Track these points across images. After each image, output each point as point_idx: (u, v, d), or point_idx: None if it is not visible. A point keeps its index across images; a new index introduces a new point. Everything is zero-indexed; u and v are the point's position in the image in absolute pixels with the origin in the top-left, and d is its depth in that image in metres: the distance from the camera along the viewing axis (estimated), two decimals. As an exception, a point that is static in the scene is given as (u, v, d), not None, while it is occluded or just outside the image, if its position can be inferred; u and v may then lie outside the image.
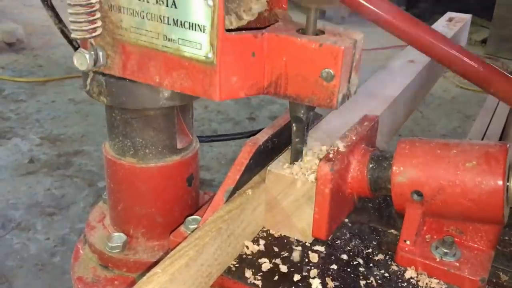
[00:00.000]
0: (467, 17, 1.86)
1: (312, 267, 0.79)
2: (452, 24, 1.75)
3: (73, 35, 0.79)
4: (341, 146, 0.84)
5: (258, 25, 0.81)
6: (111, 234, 0.97)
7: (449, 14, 1.86)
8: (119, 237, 0.96)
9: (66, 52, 4.60)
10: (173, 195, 0.96)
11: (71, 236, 2.31)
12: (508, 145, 0.76)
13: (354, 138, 0.87)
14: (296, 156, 0.85)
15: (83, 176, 2.76)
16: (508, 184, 0.73)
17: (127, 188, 0.94)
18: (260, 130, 0.92)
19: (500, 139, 2.53)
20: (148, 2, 0.73)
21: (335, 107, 0.73)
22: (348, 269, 0.79)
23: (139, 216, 0.96)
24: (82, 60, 0.79)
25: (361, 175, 0.85)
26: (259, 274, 0.77)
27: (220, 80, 0.70)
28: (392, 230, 0.88)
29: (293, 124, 0.83)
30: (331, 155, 0.81)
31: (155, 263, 0.70)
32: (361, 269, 0.79)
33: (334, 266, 0.80)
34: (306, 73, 0.73)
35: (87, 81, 0.86)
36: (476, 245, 0.80)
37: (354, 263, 0.80)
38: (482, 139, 2.52)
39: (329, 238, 0.85)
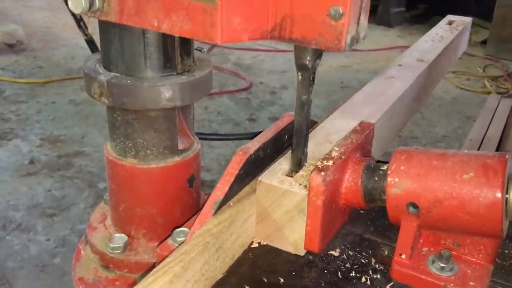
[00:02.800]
0: (468, 20, 1.85)
1: (304, 282, 0.77)
2: (453, 28, 1.74)
3: None
4: (334, 155, 0.81)
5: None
6: (112, 234, 0.97)
7: (449, 17, 1.86)
8: (120, 238, 0.96)
9: (66, 53, 4.60)
10: (174, 196, 0.96)
11: (72, 237, 2.31)
12: (507, 156, 0.73)
13: (348, 147, 0.84)
14: (301, 108, 0.80)
15: (84, 177, 2.76)
16: (507, 196, 0.71)
17: (128, 189, 0.94)
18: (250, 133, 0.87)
19: (500, 140, 2.53)
20: None
21: (343, 49, 0.68)
22: (341, 284, 0.77)
23: (140, 217, 0.96)
24: (77, 3, 0.75)
25: (355, 185, 0.82)
26: (249, 288, 0.75)
27: (222, 19, 0.67)
28: (388, 242, 0.85)
29: (299, 73, 0.79)
30: (324, 165, 0.78)
31: (154, 266, 0.69)
32: (355, 284, 0.77)
33: (327, 280, 0.77)
34: (313, 12, 0.68)
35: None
36: (474, 259, 0.77)
37: (348, 277, 0.78)
38: (483, 140, 2.53)
39: (322, 251, 0.82)
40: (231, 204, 0.80)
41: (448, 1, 5.84)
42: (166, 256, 0.70)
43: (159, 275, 0.66)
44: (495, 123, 2.71)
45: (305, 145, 0.83)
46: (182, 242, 0.74)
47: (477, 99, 4.02)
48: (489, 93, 3.99)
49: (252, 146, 0.85)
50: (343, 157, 0.81)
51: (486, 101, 3.05)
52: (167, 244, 0.81)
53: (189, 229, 0.80)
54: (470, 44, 5.31)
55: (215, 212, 0.79)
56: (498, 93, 3.95)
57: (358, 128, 0.93)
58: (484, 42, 5.28)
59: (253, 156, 0.84)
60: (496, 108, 2.90)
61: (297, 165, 0.83)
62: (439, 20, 1.85)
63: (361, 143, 0.89)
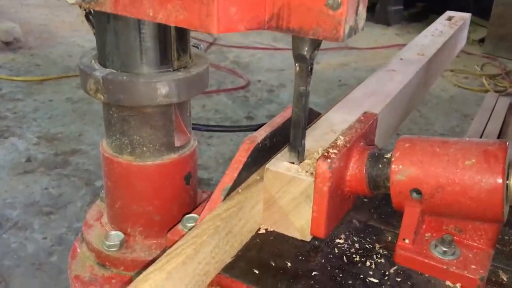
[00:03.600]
0: (467, 16, 1.84)
1: (310, 266, 0.79)
2: (452, 23, 1.74)
3: None
4: (339, 143, 0.83)
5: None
6: (108, 232, 0.96)
7: (449, 13, 1.86)
8: (116, 236, 0.95)
9: (64, 51, 4.59)
10: (171, 193, 0.95)
11: (68, 235, 2.30)
12: (507, 143, 0.75)
13: (352, 135, 0.86)
14: (299, 100, 0.80)
15: (81, 175, 2.75)
16: (507, 182, 0.73)
17: (125, 186, 0.94)
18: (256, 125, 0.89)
19: (498, 138, 2.53)
20: None
21: (342, 39, 0.68)
22: (347, 268, 0.79)
23: (137, 215, 0.95)
24: None
25: (360, 173, 0.84)
26: (257, 272, 0.77)
27: (218, 9, 0.66)
28: (391, 229, 0.87)
29: (296, 64, 0.78)
30: (329, 153, 0.80)
31: (153, 262, 0.69)
32: (360, 268, 0.79)
33: (333, 265, 0.79)
34: (311, 2, 0.68)
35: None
36: (475, 244, 0.79)
37: (353, 261, 0.80)
38: (480, 138, 2.52)
39: (328, 237, 0.84)
40: (240, 190, 0.82)
41: (446, -1, 5.84)
42: (177, 241, 0.71)
43: (173, 257, 0.68)
44: (493, 121, 2.71)
45: (303, 137, 0.84)
46: (192, 228, 0.76)
47: (475, 97, 4.02)
48: (487, 91, 4.00)
49: (259, 135, 0.87)
50: (348, 145, 0.83)
51: (484, 99, 3.05)
52: (177, 230, 0.83)
53: (198, 215, 0.82)
54: (468, 43, 5.31)
55: (224, 198, 0.80)
56: (496, 91, 3.96)
57: (362, 118, 0.94)
58: (482, 41, 5.28)
59: (260, 145, 0.86)
60: (494, 106, 2.90)
61: (295, 157, 0.84)
62: (437, 18, 1.85)
63: (365, 132, 0.90)
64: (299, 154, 0.84)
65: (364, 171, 0.83)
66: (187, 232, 0.76)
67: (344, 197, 0.86)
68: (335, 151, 0.80)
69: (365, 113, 0.97)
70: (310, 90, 0.81)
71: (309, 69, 0.78)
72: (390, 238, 0.85)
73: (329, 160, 0.78)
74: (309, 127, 0.97)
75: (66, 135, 3.16)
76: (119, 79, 0.83)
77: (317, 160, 0.79)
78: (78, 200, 2.54)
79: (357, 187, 0.85)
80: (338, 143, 0.83)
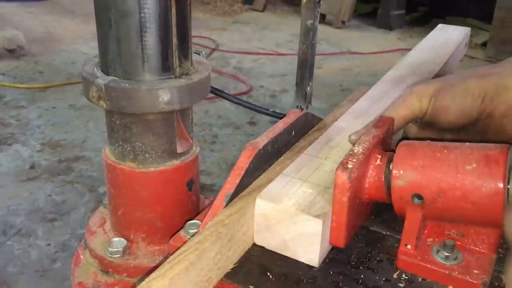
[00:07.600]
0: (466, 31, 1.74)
1: (312, 271, 0.78)
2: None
3: None
4: (357, 151, 0.81)
5: None
6: (111, 239, 0.96)
7: (441, 26, 1.79)
8: (119, 242, 0.96)
9: (67, 58, 4.61)
10: (173, 200, 0.95)
11: (72, 242, 2.30)
12: (508, 147, 0.75)
13: (370, 142, 0.84)
14: (306, 36, 0.78)
15: (84, 181, 2.76)
16: (508, 186, 0.72)
17: (127, 193, 0.94)
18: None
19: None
20: None
21: None
22: (348, 273, 0.78)
23: (139, 221, 0.95)
24: None
25: (379, 180, 0.82)
26: (259, 278, 0.77)
27: None
28: (393, 234, 0.87)
29: None
30: (348, 163, 0.77)
31: (155, 268, 0.69)
32: (361, 273, 0.79)
33: (335, 270, 0.79)
34: None
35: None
36: (477, 249, 0.79)
37: (355, 266, 0.80)
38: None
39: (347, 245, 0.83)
40: (242, 197, 0.82)
41: (448, 3, 5.85)
42: (179, 247, 0.71)
43: (175, 263, 0.67)
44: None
45: (310, 78, 0.81)
46: (194, 234, 0.76)
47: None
48: (489, 95, 3.98)
49: (261, 141, 0.87)
50: (365, 153, 0.81)
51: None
52: (180, 236, 0.83)
53: (201, 221, 0.82)
54: (471, 47, 5.31)
55: (227, 205, 0.80)
56: (498, 95, 3.94)
57: (379, 122, 0.92)
58: (484, 44, 5.28)
59: (262, 151, 0.85)
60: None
61: (302, 99, 0.81)
62: (439, 23, 1.83)
63: (382, 137, 0.89)
64: (306, 96, 0.81)
65: (383, 178, 0.82)
66: (189, 238, 0.76)
67: (362, 205, 0.86)
68: (353, 159, 0.78)
69: (381, 117, 0.95)
70: (317, 25, 0.78)
71: (317, 0, 0.76)
72: (391, 243, 0.85)
73: (348, 170, 0.76)
74: (311, 133, 0.97)
75: (69, 142, 3.17)
76: (121, 87, 0.84)
77: (336, 170, 0.76)
78: (82, 207, 2.55)
79: (376, 195, 0.84)
80: (355, 151, 0.81)
